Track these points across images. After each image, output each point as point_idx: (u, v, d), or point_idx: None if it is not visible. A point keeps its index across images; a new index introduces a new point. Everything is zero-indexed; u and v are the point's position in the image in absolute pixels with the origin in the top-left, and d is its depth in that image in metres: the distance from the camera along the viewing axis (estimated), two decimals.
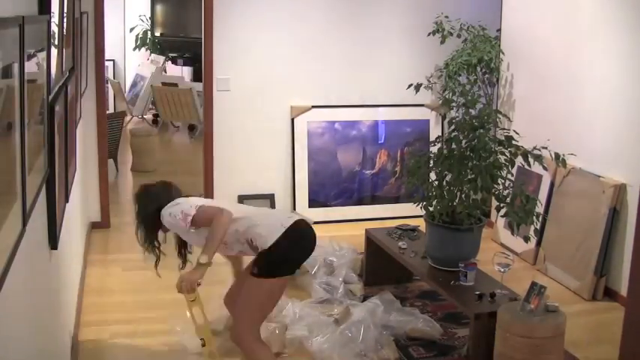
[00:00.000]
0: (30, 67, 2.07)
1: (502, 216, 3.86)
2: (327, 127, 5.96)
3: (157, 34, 11.37)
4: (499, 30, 5.79)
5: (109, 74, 10.76)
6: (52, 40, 2.72)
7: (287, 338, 3.66)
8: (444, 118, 6.11)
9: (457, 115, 4.15)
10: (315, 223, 5.87)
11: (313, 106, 5.89)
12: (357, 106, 5.99)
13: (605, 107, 4.53)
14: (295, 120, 5.85)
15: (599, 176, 4.52)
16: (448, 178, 3.92)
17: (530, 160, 3.73)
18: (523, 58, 5.45)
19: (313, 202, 5.96)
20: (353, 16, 5.89)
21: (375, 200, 6.08)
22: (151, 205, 3.41)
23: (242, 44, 5.72)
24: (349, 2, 5.88)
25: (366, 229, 4.69)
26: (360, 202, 6.08)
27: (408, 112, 6.12)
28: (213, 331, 3.51)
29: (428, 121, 6.19)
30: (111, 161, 7.03)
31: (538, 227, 4.69)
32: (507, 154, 3.85)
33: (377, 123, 6.08)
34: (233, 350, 3.37)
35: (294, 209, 5.94)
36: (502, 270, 3.55)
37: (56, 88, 2.91)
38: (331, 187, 6.01)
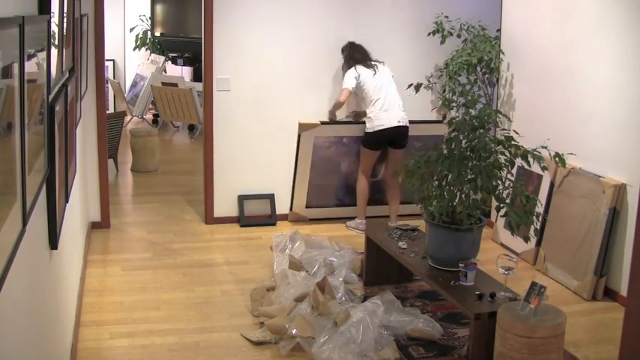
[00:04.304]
0: (30, 67, 2.07)
1: (502, 216, 3.86)
2: (334, 141, 5.90)
3: (157, 34, 11.36)
4: (499, 30, 5.79)
5: (109, 74, 10.77)
6: (52, 40, 2.72)
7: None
8: (443, 118, 6.10)
9: (457, 115, 4.15)
10: (311, 220, 5.91)
11: (322, 122, 5.80)
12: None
13: (605, 107, 4.53)
14: (302, 129, 5.76)
15: (599, 176, 4.52)
16: (448, 178, 3.92)
17: (530, 160, 3.74)
18: (523, 58, 5.45)
19: (311, 203, 5.96)
20: (352, 16, 5.89)
21: (371, 201, 6.05)
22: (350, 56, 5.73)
23: (242, 44, 5.72)
24: (349, 2, 5.88)
25: (366, 229, 4.69)
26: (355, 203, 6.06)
27: (425, 127, 5.98)
28: None
29: (442, 136, 5.99)
30: (111, 161, 7.04)
31: (538, 227, 4.70)
32: (507, 154, 3.85)
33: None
34: None
35: (292, 209, 5.95)
36: (506, 273, 3.54)
37: (56, 88, 2.91)
38: (330, 188, 6.00)
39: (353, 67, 5.63)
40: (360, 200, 5.79)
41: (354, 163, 5.96)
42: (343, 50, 5.77)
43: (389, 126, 5.51)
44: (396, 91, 5.60)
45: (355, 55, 5.69)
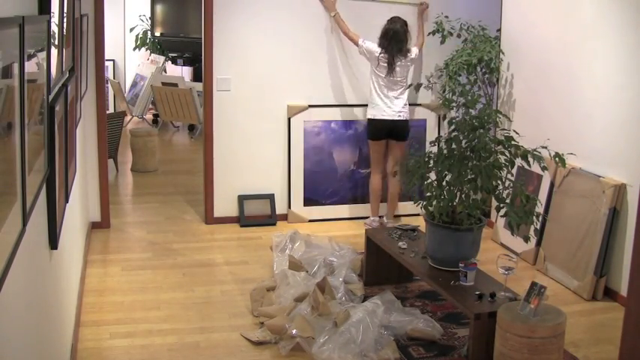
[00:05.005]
0: (30, 67, 2.07)
1: (502, 216, 3.86)
2: (323, 126, 5.96)
3: (157, 34, 11.37)
4: (499, 30, 5.79)
5: (109, 74, 10.77)
6: (52, 40, 2.72)
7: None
8: (443, 118, 6.10)
9: (457, 115, 4.15)
10: (310, 221, 5.92)
11: (310, 106, 5.89)
12: (353, 106, 5.99)
13: (605, 107, 4.53)
14: (292, 119, 5.85)
15: (599, 176, 4.52)
16: (448, 178, 3.92)
17: (530, 160, 3.74)
18: (523, 58, 5.45)
19: (308, 201, 5.97)
20: (352, 16, 5.88)
21: (359, 199, 6.08)
22: None
23: (242, 44, 5.72)
24: (348, 2, 5.88)
25: (366, 230, 4.70)
26: (355, 200, 6.08)
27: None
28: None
29: (425, 120, 6.18)
30: (111, 161, 7.04)
31: (538, 227, 4.70)
32: (507, 154, 3.85)
33: None
34: None
35: (290, 207, 5.95)
36: (506, 273, 3.54)
37: (56, 88, 2.91)
38: (327, 185, 6.01)
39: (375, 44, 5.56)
40: (370, 197, 5.82)
41: (346, 152, 6.03)
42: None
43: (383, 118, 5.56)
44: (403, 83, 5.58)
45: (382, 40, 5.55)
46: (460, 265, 3.72)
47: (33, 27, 2.17)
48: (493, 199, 4.12)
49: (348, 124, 6.02)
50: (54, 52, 2.82)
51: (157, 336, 3.83)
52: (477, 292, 3.55)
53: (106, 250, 5.22)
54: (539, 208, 4.69)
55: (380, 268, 4.55)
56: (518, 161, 3.89)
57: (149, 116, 10.80)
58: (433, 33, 5.83)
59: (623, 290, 4.25)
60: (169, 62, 11.16)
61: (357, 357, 3.52)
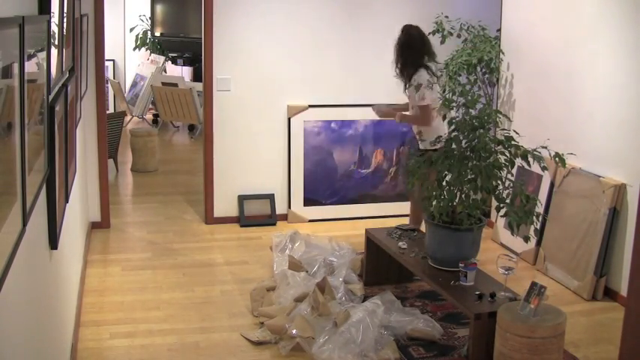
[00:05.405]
0: (30, 67, 2.07)
1: (502, 216, 3.86)
2: (323, 126, 5.96)
3: (157, 34, 11.37)
4: (499, 30, 5.79)
5: (109, 74, 10.77)
6: (52, 40, 2.72)
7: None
8: (443, 118, 6.09)
9: (457, 115, 4.15)
10: (310, 221, 5.92)
11: (310, 106, 5.89)
12: (353, 106, 5.98)
13: (605, 107, 4.53)
14: (292, 119, 5.86)
15: (599, 176, 4.52)
16: (448, 178, 3.92)
17: (530, 160, 3.74)
18: (523, 58, 5.45)
19: (308, 201, 5.98)
20: (352, 16, 5.89)
21: (370, 199, 6.08)
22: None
23: (242, 44, 5.72)
24: (348, 2, 5.88)
25: (366, 230, 4.70)
26: (355, 200, 6.09)
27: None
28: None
29: None
30: (111, 161, 7.04)
31: (538, 227, 4.70)
32: (507, 154, 3.85)
33: (373, 122, 6.07)
34: None
35: (290, 207, 5.95)
36: (506, 273, 3.54)
37: (56, 88, 2.91)
38: (327, 185, 6.02)
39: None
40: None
41: (346, 152, 6.03)
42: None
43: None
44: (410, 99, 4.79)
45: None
46: (460, 265, 3.72)
47: (33, 27, 2.17)
48: (493, 199, 4.12)
49: (348, 124, 6.02)
50: (54, 52, 2.82)
51: (157, 336, 3.83)
52: (477, 292, 3.55)
53: (106, 250, 5.22)
54: (539, 208, 4.69)
55: (380, 268, 4.55)
56: (518, 161, 3.89)
57: (149, 116, 10.80)
58: (433, 33, 5.81)
59: (623, 290, 4.25)
60: (169, 62, 11.16)
61: (357, 357, 3.52)
